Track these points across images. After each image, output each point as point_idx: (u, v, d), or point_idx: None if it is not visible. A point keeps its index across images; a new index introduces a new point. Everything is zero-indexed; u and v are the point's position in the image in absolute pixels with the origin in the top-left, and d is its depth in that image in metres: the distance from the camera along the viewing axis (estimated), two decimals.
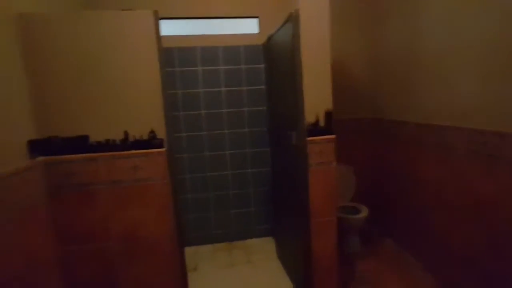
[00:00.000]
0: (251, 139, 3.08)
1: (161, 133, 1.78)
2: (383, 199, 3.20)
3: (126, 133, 1.74)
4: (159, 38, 1.74)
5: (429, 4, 2.33)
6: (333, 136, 2.03)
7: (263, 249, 3.02)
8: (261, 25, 2.98)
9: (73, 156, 1.69)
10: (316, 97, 1.99)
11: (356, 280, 2.48)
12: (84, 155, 1.71)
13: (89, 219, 1.75)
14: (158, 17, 1.74)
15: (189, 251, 3.01)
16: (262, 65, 3.00)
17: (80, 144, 1.70)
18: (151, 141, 1.78)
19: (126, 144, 1.75)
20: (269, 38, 2.60)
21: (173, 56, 2.84)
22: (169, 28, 2.85)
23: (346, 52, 3.16)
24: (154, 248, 1.83)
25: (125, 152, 1.75)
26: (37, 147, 1.63)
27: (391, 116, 2.96)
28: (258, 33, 2.99)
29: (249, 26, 3.01)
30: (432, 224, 2.47)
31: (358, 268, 2.65)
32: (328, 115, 2.02)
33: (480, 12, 1.91)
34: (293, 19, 1.94)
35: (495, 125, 1.84)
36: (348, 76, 3.21)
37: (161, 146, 1.79)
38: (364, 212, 2.84)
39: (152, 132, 1.77)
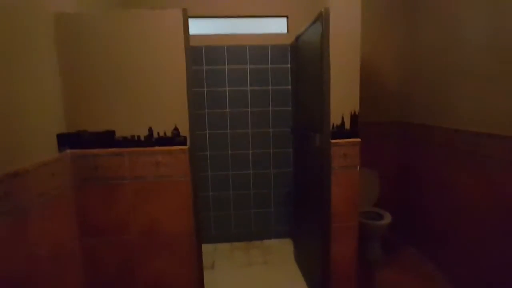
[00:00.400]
0: (274, 139, 3.06)
1: (184, 131, 1.79)
2: (408, 206, 3.09)
3: (150, 130, 1.77)
4: (187, 36, 1.75)
5: (467, 1, 2.21)
6: (358, 140, 1.98)
7: (281, 250, 3.00)
8: (289, 25, 2.95)
9: (99, 150, 1.74)
10: (343, 99, 1.95)
11: None
12: (110, 149, 1.75)
13: (112, 212, 1.79)
14: (187, 16, 1.75)
15: (207, 248, 3.03)
16: (289, 65, 2.97)
17: (107, 139, 1.74)
18: (174, 138, 1.79)
19: (150, 140, 1.77)
20: (297, 38, 2.57)
21: (201, 54, 2.87)
22: (197, 27, 2.88)
23: (375, 52, 3.07)
24: (172, 244, 1.85)
25: (149, 149, 1.77)
26: (66, 140, 1.68)
27: (421, 120, 2.84)
28: (286, 33, 2.96)
29: (277, 26, 2.99)
30: (460, 235, 2.35)
31: (378, 277, 2.57)
32: (354, 117, 1.96)
33: None
34: (322, 18, 1.89)
35: None
36: (376, 77, 3.11)
37: (184, 144, 1.80)
38: (387, 219, 2.76)
39: (176, 129, 1.79)
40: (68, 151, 1.70)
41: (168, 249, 1.86)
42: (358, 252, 2.12)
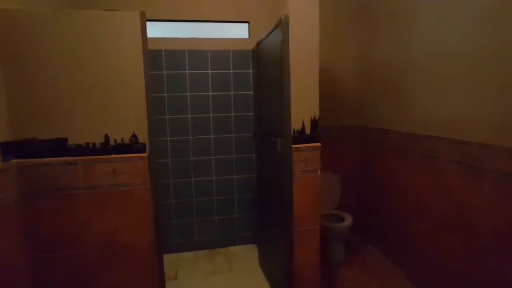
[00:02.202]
0: (237, 145, 3.05)
1: (143, 137, 1.73)
2: (368, 207, 3.21)
3: (106, 137, 1.68)
4: (145, 40, 1.70)
5: (419, 16, 2.36)
6: (318, 144, 2.02)
7: (246, 257, 2.98)
8: (251, 30, 2.96)
9: (50, 159, 1.62)
10: (303, 104, 1.98)
11: None
12: (62, 158, 1.64)
13: (65, 225, 1.68)
14: (145, 19, 1.70)
15: (170, 258, 2.94)
16: (251, 71, 2.98)
17: (58, 147, 1.63)
18: (132, 146, 1.72)
19: (107, 148, 1.69)
20: (258, 44, 2.59)
21: (161, 58, 2.79)
22: (157, 30, 2.81)
23: (334, 60, 3.17)
24: (132, 255, 1.77)
25: (105, 156, 1.69)
26: (11, 149, 1.55)
27: (378, 125, 2.97)
28: (248, 38, 2.97)
29: (239, 31, 3.00)
30: (415, 233, 2.48)
31: (341, 277, 2.63)
32: (314, 122, 2.00)
33: (466, 26, 1.94)
34: (282, 25, 1.92)
35: (481, 137, 1.86)
36: (337, 84, 3.21)
37: (143, 151, 1.74)
38: (348, 221, 2.84)
39: (134, 136, 1.72)
40: (14, 160, 1.57)
41: (127, 261, 1.77)
42: (321, 254, 2.15)
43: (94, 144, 1.68)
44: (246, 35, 2.99)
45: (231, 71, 2.94)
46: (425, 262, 2.37)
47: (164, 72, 2.81)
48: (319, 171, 2.03)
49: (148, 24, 1.86)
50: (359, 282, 2.56)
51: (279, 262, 2.25)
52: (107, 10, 1.65)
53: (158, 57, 2.78)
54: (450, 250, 2.13)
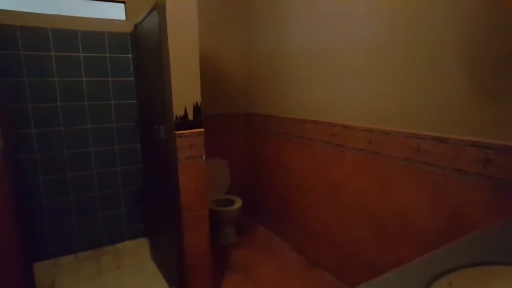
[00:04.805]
0: (119, 135, 2.84)
1: None
2: (256, 190, 3.40)
3: None
4: None
5: (292, 8, 2.55)
6: (202, 130, 2.02)
7: (136, 251, 2.84)
8: (128, 11, 2.75)
9: None
10: (185, 90, 1.95)
11: (230, 269, 2.57)
12: None
13: None
14: None
15: (45, 265, 2.60)
16: (130, 55, 2.78)
17: None
18: None
19: None
20: (136, 26, 2.43)
21: (15, 36, 2.37)
22: (8, 1, 2.36)
23: (220, 50, 3.18)
24: None
25: None
26: None
27: (262, 111, 3.14)
28: (125, 20, 2.75)
29: (114, 11, 2.75)
30: (296, 208, 2.74)
31: (233, 258, 2.75)
32: (197, 108, 2.00)
33: (333, 18, 2.19)
34: (159, 7, 1.84)
35: (343, 119, 2.15)
36: (223, 73, 3.25)
37: None
38: (237, 204, 2.96)
39: None
40: None
41: None
42: (213, 238, 2.19)
43: None
44: (123, 17, 2.77)
45: (108, 55, 2.70)
46: (305, 233, 2.65)
47: (22, 52, 2.39)
48: (204, 156, 2.05)
49: None
50: (250, 259, 2.71)
51: (170, 251, 2.22)
52: None
53: (11, 34, 2.34)
54: (323, 219, 2.42)
